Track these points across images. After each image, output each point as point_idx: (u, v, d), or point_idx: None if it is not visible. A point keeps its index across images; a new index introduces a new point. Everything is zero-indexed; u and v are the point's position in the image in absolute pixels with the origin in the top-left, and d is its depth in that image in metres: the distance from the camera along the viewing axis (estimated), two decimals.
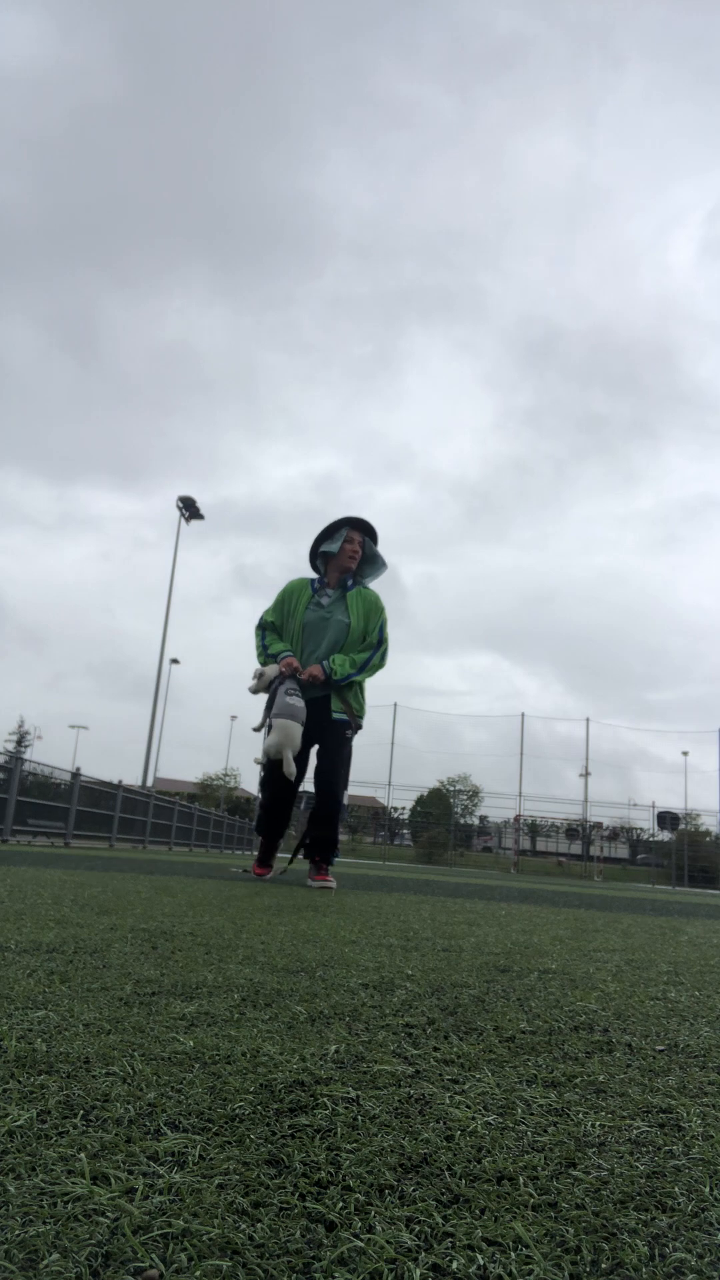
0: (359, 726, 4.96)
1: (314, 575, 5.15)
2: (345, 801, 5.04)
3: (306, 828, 4.91)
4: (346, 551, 5.01)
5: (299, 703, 4.77)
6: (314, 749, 4.97)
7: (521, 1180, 0.64)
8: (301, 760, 4.85)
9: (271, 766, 4.70)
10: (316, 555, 5.13)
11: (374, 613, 4.98)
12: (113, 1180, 0.59)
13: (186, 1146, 0.66)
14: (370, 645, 4.95)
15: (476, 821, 53.30)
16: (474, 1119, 0.77)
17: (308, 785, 5.05)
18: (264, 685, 4.88)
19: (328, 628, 4.90)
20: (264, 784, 4.85)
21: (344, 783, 4.96)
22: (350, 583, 5.05)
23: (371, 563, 5.15)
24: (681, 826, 42.89)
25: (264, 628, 5.06)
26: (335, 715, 4.88)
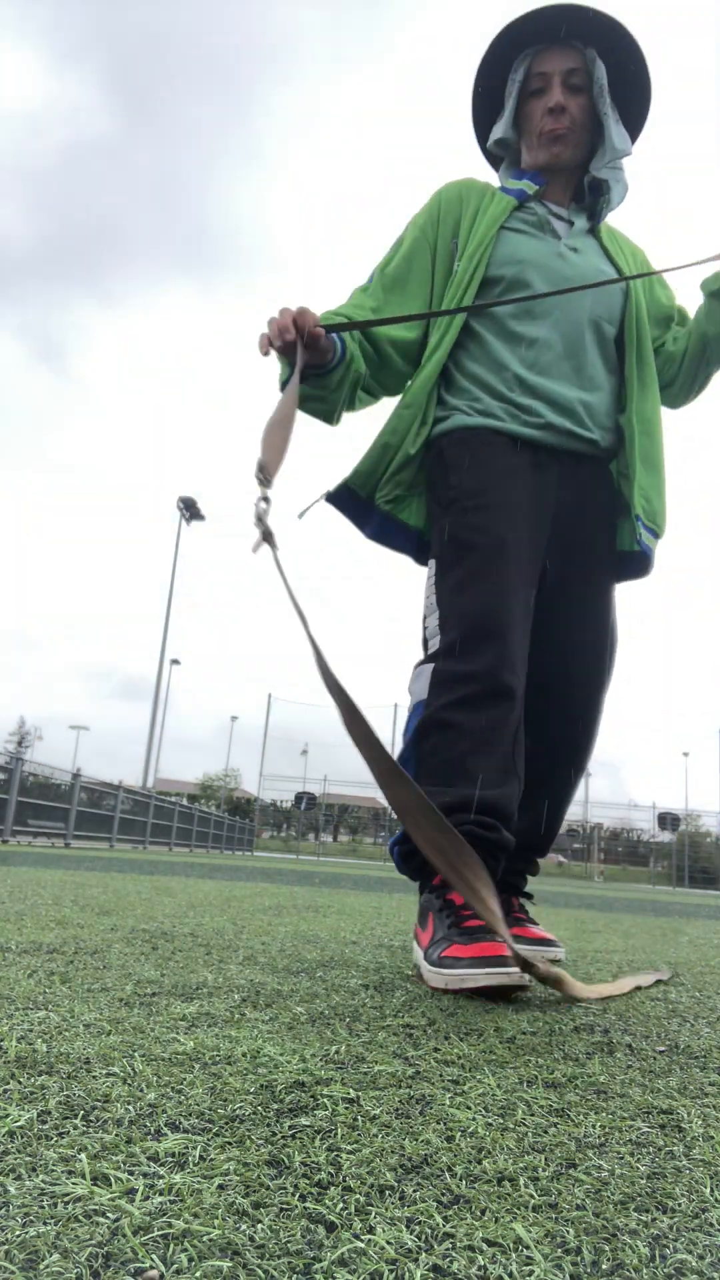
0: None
1: (517, 186, 1.81)
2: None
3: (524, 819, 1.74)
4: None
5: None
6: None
7: (522, 1181, 0.64)
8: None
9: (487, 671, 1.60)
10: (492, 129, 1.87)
11: (658, 283, 1.91)
12: (113, 1181, 0.59)
13: (187, 1147, 0.66)
14: (700, 367, 1.85)
15: None
16: (474, 1120, 0.77)
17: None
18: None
19: (580, 280, 1.72)
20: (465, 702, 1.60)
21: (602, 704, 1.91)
22: (600, 192, 1.82)
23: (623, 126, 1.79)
24: (682, 827, 42.86)
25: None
26: (640, 536, 1.79)
